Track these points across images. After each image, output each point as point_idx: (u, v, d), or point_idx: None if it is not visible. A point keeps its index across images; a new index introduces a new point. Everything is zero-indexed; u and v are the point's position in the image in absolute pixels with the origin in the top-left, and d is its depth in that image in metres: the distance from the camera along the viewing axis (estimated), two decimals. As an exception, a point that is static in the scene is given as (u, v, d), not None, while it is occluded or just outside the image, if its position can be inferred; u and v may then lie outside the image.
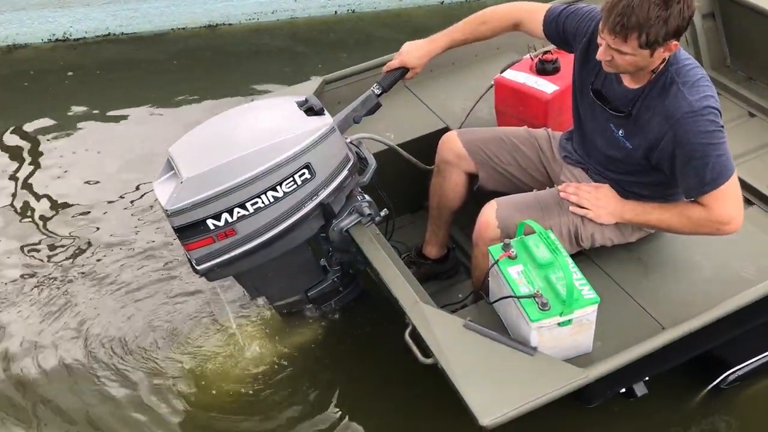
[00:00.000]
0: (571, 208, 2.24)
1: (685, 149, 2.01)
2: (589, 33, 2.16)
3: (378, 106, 2.38)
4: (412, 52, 2.41)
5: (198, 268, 2.21)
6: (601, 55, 2.00)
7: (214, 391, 2.59)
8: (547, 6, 2.31)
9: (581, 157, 2.35)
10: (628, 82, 2.10)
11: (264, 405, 2.57)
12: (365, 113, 2.37)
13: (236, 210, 2.11)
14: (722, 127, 2.02)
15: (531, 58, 2.71)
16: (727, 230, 2.09)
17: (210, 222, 2.11)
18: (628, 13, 1.87)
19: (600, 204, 2.22)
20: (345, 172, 2.24)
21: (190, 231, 2.12)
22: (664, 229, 2.25)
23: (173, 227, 2.13)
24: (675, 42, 1.95)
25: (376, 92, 2.38)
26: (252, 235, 2.17)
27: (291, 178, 2.13)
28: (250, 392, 2.59)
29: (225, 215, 2.10)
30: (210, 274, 2.25)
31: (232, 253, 2.19)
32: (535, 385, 1.89)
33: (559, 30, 2.25)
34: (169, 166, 2.16)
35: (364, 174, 2.34)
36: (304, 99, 2.24)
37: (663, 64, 2.02)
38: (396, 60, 2.42)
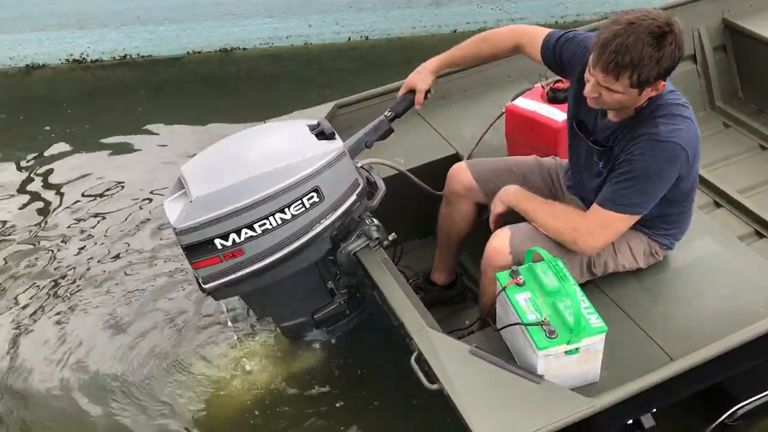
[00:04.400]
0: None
1: (624, 159, 2.02)
2: (585, 62, 2.17)
3: (390, 131, 2.40)
4: (419, 72, 2.43)
5: (205, 286, 2.22)
6: (589, 92, 2.01)
7: (217, 413, 2.59)
8: (547, 30, 2.32)
9: (576, 188, 2.36)
10: (611, 115, 2.12)
11: (266, 427, 2.55)
12: (377, 138, 2.38)
13: (244, 231, 2.12)
14: (676, 168, 2.01)
15: (542, 86, 2.72)
16: (578, 242, 2.12)
17: (218, 242, 2.12)
18: (622, 52, 1.87)
19: (496, 198, 2.32)
20: (354, 197, 2.25)
21: (197, 250, 2.13)
22: (535, 218, 2.22)
23: (181, 245, 2.14)
24: (663, 82, 1.96)
25: (388, 117, 2.39)
26: (259, 256, 2.18)
27: (299, 201, 2.14)
28: (255, 414, 2.58)
29: (233, 235, 2.12)
30: (216, 293, 2.26)
31: (239, 273, 2.20)
32: (541, 413, 1.87)
33: (556, 56, 2.26)
34: (180, 185, 2.18)
35: (374, 198, 2.34)
36: (316, 123, 2.26)
37: (646, 102, 2.03)
38: (404, 87, 2.44)
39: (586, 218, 2.12)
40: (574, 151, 2.31)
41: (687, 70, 3.42)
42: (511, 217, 2.31)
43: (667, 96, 2.03)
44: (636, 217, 2.08)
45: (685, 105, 2.05)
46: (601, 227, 2.10)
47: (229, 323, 2.82)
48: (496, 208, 2.32)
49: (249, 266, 2.19)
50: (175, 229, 2.10)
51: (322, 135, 2.22)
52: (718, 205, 2.92)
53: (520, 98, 2.74)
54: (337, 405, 2.61)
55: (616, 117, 2.10)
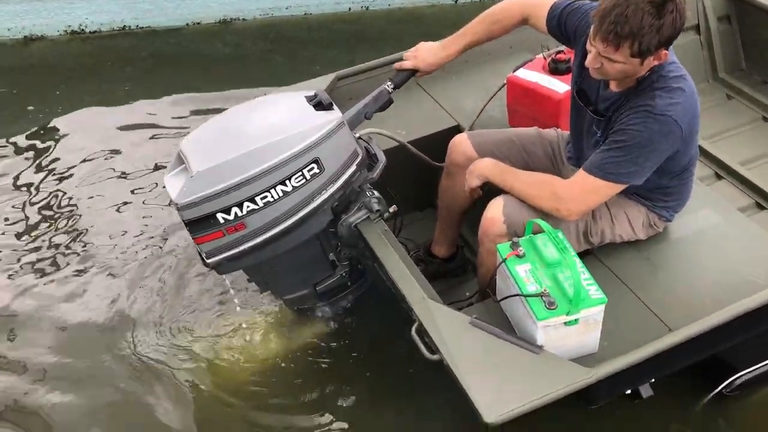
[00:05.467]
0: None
1: (619, 128, 2.02)
2: (584, 38, 2.15)
3: (390, 102, 2.39)
4: (426, 58, 2.41)
5: (208, 261, 2.23)
6: (590, 62, 2.00)
7: (220, 384, 2.61)
8: (552, 0, 2.29)
9: (576, 159, 2.35)
10: (613, 86, 2.11)
11: (270, 398, 2.58)
12: (377, 109, 2.37)
13: (246, 204, 2.12)
14: (668, 142, 2.00)
15: (544, 57, 2.70)
16: (560, 209, 2.12)
17: (220, 216, 2.12)
18: (621, 22, 1.86)
19: (469, 170, 2.30)
20: (353, 168, 2.25)
21: (200, 225, 2.13)
22: (513, 188, 2.21)
23: (183, 221, 2.14)
24: (665, 51, 1.95)
25: (388, 89, 2.38)
26: (261, 229, 2.18)
27: (300, 173, 2.14)
28: (257, 386, 2.61)
29: (235, 209, 2.12)
30: (220, 268, 2.27)
31: (242, 247, 2.20)
32: (540, 383, 1.89)
33: (561, 26, 2.25)
34: (180, 160, 2.17)
35: (374, 170, 2.34)
36: (313, 94, 2.25)
37: (648, 72, 2.02)
38: (409, 62, 2.42)
39: (570, 183, 2.12)
40: (575, 121, 2.30)
41: (690, 41, 3.39)
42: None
43: (669, 67, 2.02)
44: (621, 187, 2.08)
45: (685, 77, 2.04)
46: (583, 193, 2.10)
47: (233, 297, 2.83)
48: (471, 181, 2.31)
49: (251, 240, 2.20)
50: (176, 204, 2.10)
51: (320, 106, 2.21)
52: (719, 177, 2.92)
53: (521, 69, 2.73)
54: (338, 377, 2.64)
55: (618, 87, 2.09)
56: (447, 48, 2.42)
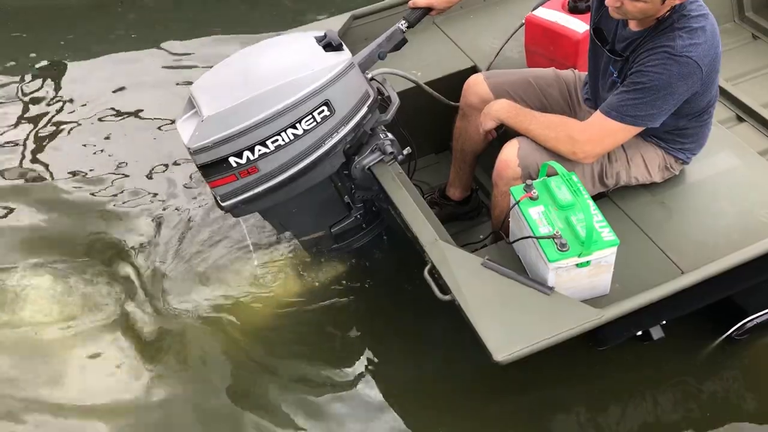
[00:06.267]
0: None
1: (637, 70, 1.99)
2: None
3: (404, 41, 2.35)
4: None
5: (223, 204, 2.26)
6: (610, 0, 1.96)
7: (238, 327, 2.65)
8: None
9: (593, 100, 2.32)
10: (632, 25, 2.07)
11: (286, 341, 2.63)
12: (390, 49, 2.34)
13: (257, 147, 2.13)
14: (687, 84, 1.96)
15: (565, -6, 2.64)
16: (576, 151, 2.11)
17: (232, 160, 2.13)
18: None
19: (484, 112, 2.28)
20: (365, 109, 2.24)
21: (213, 168, 2.15)
22: (528, 130, 2.19)
23: (197, 165, 2.16)
24: None
25: (402, 28, 2.34)
26: (274, 172, 2.20)
27: (310, 116, 2.13)
28: (275, 330, 2.65)
29: (246, 153, 2.13)
30: (235, 211, 2.29)
31: (256, 190, 2.22)
32: (550, 323, 1.91)
33: None
34: (191, 105, 2.17)
35: (387, 111, 2.33)
36: (323, 34, 2.23)
37: (668, 11, 1.97)
38: (424, 0, 2.37)
39: (586, 126, 2.11)
40: (592, 61, 2.26)
41: (717, -22, 3.29)
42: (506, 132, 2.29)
43: (690, 6, 1.97)
44: (637, 129, 2.06)
45: (707, 16, 1.99)
46: (600, 135, 2.08)
47: (249, 241, 2.85)
48: (486, 124, 2.29)
49: (265, 183, 2.21)
50: (189, 148, 2.11)
51: (329, 47, 2.19)
52: (740, 119, 2.85)
53: (540, 8, 2.67)
54: (352, 317, 2.68)
55: (637, 27, 2.05)
56: None
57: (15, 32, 4.24)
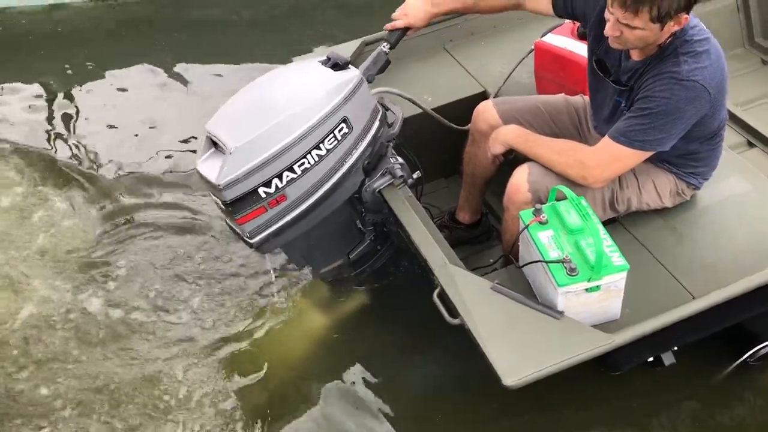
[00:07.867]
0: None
1: (644, 95, 2.00)
2: (599, 9, 2.12)
3: (388, 63, 2.36)
4: (417, 14, 2.35)
5: (252, 241, 2.24)
6: (609, 30, 1.97)
7: (264, 366, 2.64)
8: None
9: (601, 127, 2.32)
10: (634, 55, 2.08)
11: (305, 370, 2.65)
12: (377, 72, 2.35)
13: (285, 174, 2.13)
14: (695, 108, 1.97)
15: (572, 22, 2.66)
16: (587, 176, 2.11)
17: (261, 190, 2.13)
18: None
19: (493, 137, 2.29)
20: (377, 123, 2.27)
21: (242, 203, 2.14)
22: (538, 156, 2.20)
23: (225, 202, 2.12)
24: (685, 15, 1.91)
25: (385, 50, 2.36)
26: (301, 198, 2.20)
27: (332, 134, 2.15)
28: (301, 364, 2.67)
29: (275, 181, 2.13)
30: (264, 246, 2.27)
31: (284, 220, 2.22)
32: (560, 348, 1.90)
33: (568, 7, 2.24)
34: (210, 143, 2.16)
35: (394, 125, 2.36)
36: (326, 57, 2.25)
37: (669, 38, 1.98)
38: (401, 21, 2.36)
39: (596, 151, 2.11)
40: (594, 92, 2.28)
41: (726, 5, 3.30)
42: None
43: (691, 31, 1.99)
44: (647, 154, 2.06)
45: (710, 39, 2.00)
46: (610, 160, 2.09)
47: (273, 274, 2.85)
48: (494, 148, 2.30)
49: (292, 211, 2.21)
50: (218, 186, 2.08)
51: (337, 66, 2.22)
52: (751, 144, 2.85)
53: (549, 34, 2.69)
54: (363, 341, 2.69)
55: (639, 56, 2.06)
56: (437, 5, 2.38)
57: (33, 55, 4.33)
